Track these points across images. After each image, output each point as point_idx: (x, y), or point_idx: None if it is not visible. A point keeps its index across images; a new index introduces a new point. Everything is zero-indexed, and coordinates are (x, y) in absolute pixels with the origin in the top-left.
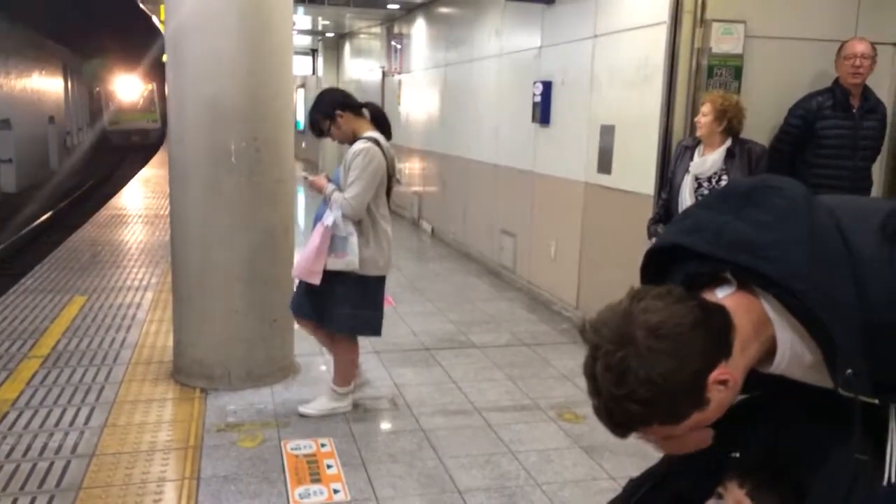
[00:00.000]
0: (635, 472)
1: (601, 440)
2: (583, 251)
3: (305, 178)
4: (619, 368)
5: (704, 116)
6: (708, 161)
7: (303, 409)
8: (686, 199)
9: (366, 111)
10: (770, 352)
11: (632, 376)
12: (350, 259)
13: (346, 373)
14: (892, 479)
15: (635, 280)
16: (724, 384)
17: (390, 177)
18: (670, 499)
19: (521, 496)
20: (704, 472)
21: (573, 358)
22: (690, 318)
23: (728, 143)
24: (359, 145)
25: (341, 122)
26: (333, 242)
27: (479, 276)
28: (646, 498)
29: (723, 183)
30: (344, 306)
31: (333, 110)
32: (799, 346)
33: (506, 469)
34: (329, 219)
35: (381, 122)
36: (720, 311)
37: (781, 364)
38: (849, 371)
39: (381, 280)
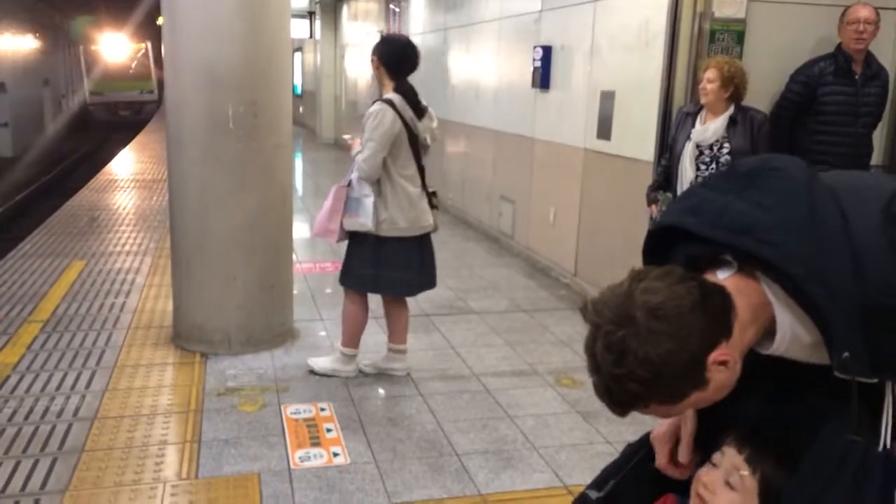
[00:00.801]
0: (632, 437)
1: (598, 405)
2: (582, 217)
3: (347, 140)
4: (618, 348)
5: (711, 83)
6: (710, 129)
7: (310, 360)
8: (687, 166)
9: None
10: (770, 332)
11: (631, 356)
12: (362, 221)
13: (352, 333)
14: (888, 445)
15: (634, 247)
16: (724, 364)
17: (415, 136)
18: None
19: (518, 459)
20: (703, 439)
21: (571, 324)
22: (690, 299)
23: (731, 110)
24: (373, 108)
25: (374, 69)
26: (349, 203)
27: (478, 243)
28: (642, 463)
29: (724, 150)
30: (360, 265)
31: (374, 54)
32: (799, 328)
33: (503, 433)
34: (347, 179)
35: (408, 98)
36: (720, 292)
37: (782, 345)
38: (845, 354)
39: (403, 241)
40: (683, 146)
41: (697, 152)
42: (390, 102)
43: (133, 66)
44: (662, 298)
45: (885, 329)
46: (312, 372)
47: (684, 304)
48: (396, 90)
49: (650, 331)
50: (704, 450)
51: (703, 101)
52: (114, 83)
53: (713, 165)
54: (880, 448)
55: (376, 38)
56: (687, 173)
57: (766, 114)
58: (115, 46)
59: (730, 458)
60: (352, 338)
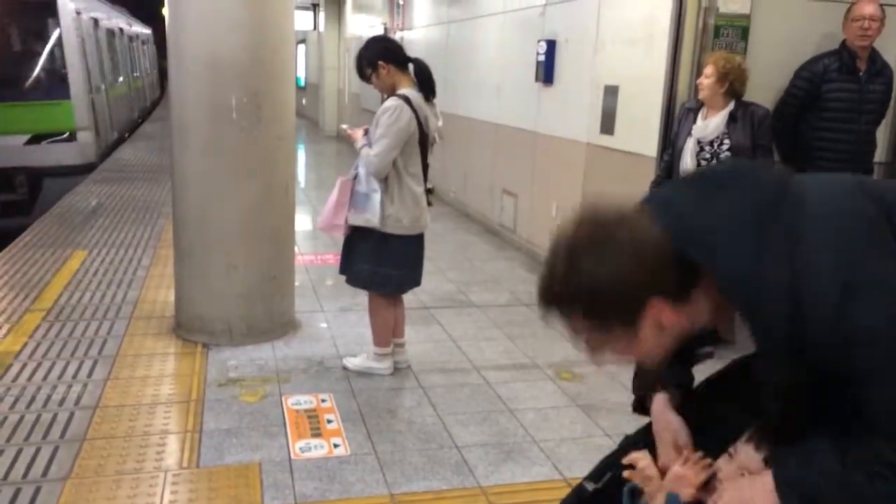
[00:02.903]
0: (632, 430)
1: (598, 399)
2: None
3: (345, 129)
4: (583, 247)
5: (707, 78)
6: (710, 125)
7: (345, 361)
8: (687, 162)
9: (411, 66)
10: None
11: (586, 257)
12: (368, 217)
13: (381, 333)
14: None
15: None
16: (660, 325)
17: (425, 135)
18: None
19: (518, 452)
20: (700, 432)
21: None
22: (666, 247)
23: (731, 106)
24: (389, 102)
25: (383, 74)
26: (355, 197)
27: (479, 236)
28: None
29: (724, 147)
30: (363, 262)
31: (377, 60)
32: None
33: (504, 426)
34: (352, 172)
35: (424, 79)
36: (687, 270)
37: (742, 341)
38: (768, 361)
39: (404, 239)
40: (685, 142)
41: (698, 148)
42: (406, 99)
43: (21, 61)
44: (646, 237)
45: (808, 347)
46: (346, 369)
47: (655, 246)
48: (416, 73)
49: (617, 246)
50: (703, 434)
51: (700, 96)
52: None
53: (713, 162)
54: None
55: (366, 44)
56: (688, 169)
57: (768, 108)
58: None
59: (745, 455)
60: (382, 337)
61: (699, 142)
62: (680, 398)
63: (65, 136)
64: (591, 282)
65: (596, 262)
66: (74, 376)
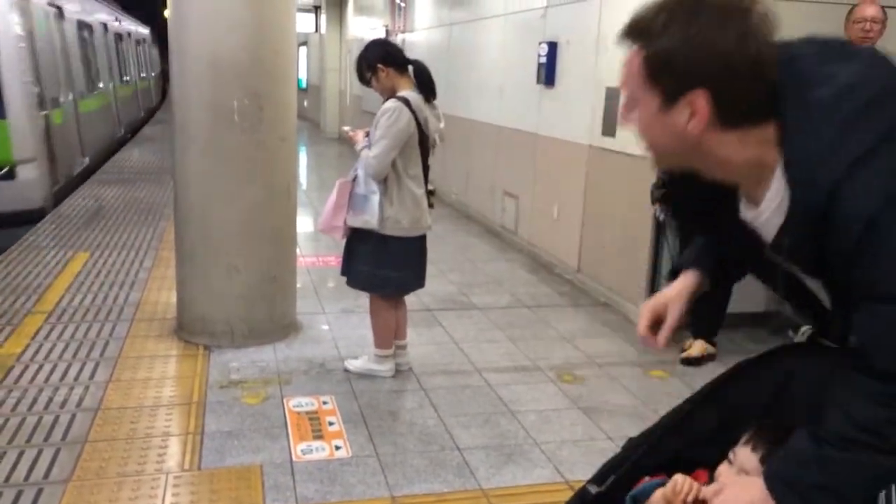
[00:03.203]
0: (633, 433)
1: (599, 401)
2: (585, 214)
3: (346, 131)
4: (693, 2)
5: None
6: None
7: (346, 363)
8: None
9: (411, 68)
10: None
11: (688, 10)
12: (366, 218)
13: (383, 335)
14: None
15: (638, 244)
16: (693, 116)
17: (425, 136)
18: (667, 459)
19: (519, 454)
20: (703, 436)
21: (573, 320)
22: (764, 60)
23: None
24: (388, 104)
25: (382, 77)
26: (354, 199)
27: (481, 237)
28: (643, 457)
29: None
30: (362, 263)
31: (376, 63)
32: (786, 198)
33: (505, 428)
34: (351, 174)
35: (424, 81)
36: (760, 104)
37: (766, 211)
38: (786, 239)
39: (404, 241)
40: None
41: None
42: (405, 101)
43: None
44: (766, 35)
45: (827, 235)
46: (347, 371)
47: (771, 51)
48: (415, 75)
49: (718, 12)
50: (707, 440)
51: None
52: None
53: None
54: None
55: (366, 48)
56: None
57: None
58: None
59: (743, 456)
60: (383, 339)
61: None
62: (709, 285)
63: (7, 172)
64: (671, 30)
65: (691, 20)
66: (76, 378)
